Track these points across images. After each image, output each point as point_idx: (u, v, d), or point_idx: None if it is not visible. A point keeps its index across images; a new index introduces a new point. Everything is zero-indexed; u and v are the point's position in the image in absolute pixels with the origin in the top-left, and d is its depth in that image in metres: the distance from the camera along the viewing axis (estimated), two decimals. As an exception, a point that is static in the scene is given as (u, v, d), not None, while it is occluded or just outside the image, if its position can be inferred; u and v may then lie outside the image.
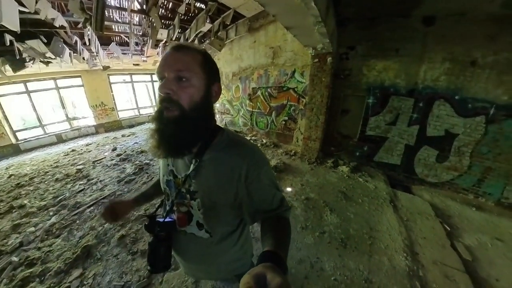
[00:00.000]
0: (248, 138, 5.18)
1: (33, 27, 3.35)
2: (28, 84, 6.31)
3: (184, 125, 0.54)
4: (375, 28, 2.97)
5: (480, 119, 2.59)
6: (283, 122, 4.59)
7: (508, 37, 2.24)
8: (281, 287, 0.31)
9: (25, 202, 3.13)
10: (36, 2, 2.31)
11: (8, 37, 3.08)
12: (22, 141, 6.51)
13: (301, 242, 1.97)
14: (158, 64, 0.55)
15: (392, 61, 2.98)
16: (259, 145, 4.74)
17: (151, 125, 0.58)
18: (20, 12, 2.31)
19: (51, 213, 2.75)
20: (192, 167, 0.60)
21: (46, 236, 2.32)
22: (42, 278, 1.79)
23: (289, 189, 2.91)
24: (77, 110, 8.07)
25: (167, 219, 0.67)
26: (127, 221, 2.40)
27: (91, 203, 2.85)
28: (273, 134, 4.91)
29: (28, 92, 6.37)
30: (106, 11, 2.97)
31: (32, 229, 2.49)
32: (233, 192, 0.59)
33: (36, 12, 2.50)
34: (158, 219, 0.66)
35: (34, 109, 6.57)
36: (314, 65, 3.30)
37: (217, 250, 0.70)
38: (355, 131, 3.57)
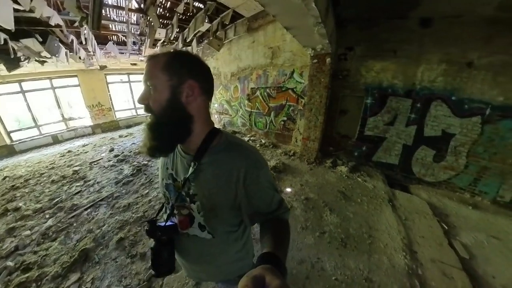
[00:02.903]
0: (247, 138, 5.18)
1: (28, 26, 3.29)
2: (23, 83, 6.20)
3: (156, 130, 0.58)
4: (373, 29, 3.00)
5: (476, 120, 2.63)
6: (282, 123, 4.60)
7: (503, 39, 2.29)
8: None
9: (20, 204, 3.07)
10: (31, 1, 2.27)
11: (2, 36, 3.03)
12: (17, 142, 6.39)
13: (301, 243, 1.98)
14: None
15: (390, 62, 3.01)
16: (257, 145, 4.73)
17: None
18: (15, 10, 2.27)
19: (47, 216, 2.70)
20: (191, 170, 0.60)
21: (42, 240, 2.28)
22: (39, 283, 1.76)
23: (288, 189, 2.92)
24: (73, 110, 7.95)
25: (168, 223, 0.67)
26: (126, 223, 2.38)
27: (88, 205, 2.81)
28: (272, 134, 4.92)
29: (23, 92, 6.26)
30: (103, 9, 2.94)
31: (28, 232, 2.44)
32: (232, 194, 0.60)
33: (31, 10, 2.46)
34: (159, 224, 0.66)
35: (29, 109, 6.45)
36: (313, 65, 3.32)
37: (220, 250, 0.71)
38: (353, 131, 3.59)
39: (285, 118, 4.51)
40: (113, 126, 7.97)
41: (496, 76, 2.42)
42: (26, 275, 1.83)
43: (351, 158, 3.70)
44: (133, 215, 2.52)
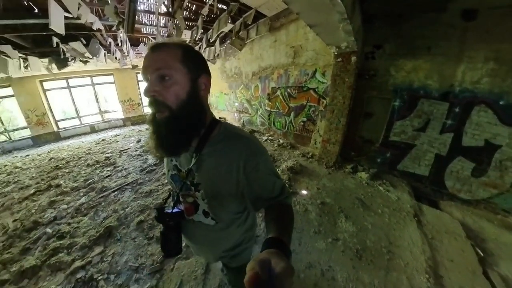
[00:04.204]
0: (265, 138, 5.17)
1: (74, 31, 3.76)
2: (69, 80, 7.10)
3: (175, 125, 0.54)
4: (405, 25, 2.73)
5: None
6: (302, 123, 4.49)
7: None
8: (286, 271, 0.32)
9: (61, 182, 3.51)
10: (78, 9, 2.59)
11: (55, 40, 3.52)
12: (62, 130, 7.34)
13: (312, 246, 1.90)
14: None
15: (423, 60, 2.72)
16: (275, 145, 4.69)
17: (149, 127, 0.60)
18: (65, 17, 2.60)
19: (81, 194, 3.05)
20: (193, 160, 0.62)
21: (75, 214, 2.59)
22: (69, 250, 1.99)
23: (304, 192, 2.83)
24: (108, 105, 8.86)
25: (175, 210, 0.71)
26: (146, 208, 2.56)
27: (115, 188, 3.10)
28: (291, 135, 4.83)
29: (69, 87, 7.17)
30: (136, 15, 3.22)
31: (65, 206, 2.79)
32: (234, 182, 0.61)
33: (77, 18, 2.81)
34: (166, 210, 0.70)
35: (73, 102, 7.36)
36: (337, 64, 3.17)
37: (223, 235, 0.75)
38: (378, 136, 3.34)
39: (305, 119, 4.40)
40: (141, 119, 8.67)
41: None
42: (60, 242, 2.09)
43: (374, 164, 3.45)
44: (154, 201, 2.70)
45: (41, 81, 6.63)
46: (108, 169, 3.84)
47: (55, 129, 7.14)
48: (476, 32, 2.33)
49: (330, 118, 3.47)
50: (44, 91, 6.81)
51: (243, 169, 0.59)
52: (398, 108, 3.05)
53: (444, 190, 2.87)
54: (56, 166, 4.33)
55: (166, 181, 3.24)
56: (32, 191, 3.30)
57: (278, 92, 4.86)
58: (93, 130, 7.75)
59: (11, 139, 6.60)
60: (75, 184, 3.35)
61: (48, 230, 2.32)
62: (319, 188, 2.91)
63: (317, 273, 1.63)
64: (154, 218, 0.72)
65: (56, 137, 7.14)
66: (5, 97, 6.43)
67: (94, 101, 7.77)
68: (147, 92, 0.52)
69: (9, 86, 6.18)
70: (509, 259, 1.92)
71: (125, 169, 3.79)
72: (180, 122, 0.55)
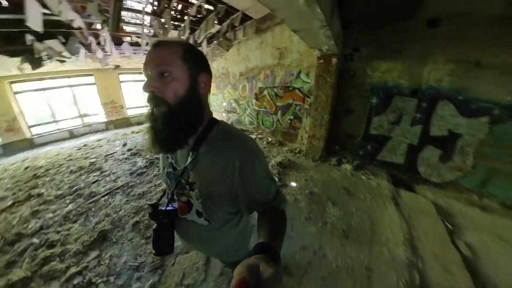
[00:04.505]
0: (254, 136, 5.30)
1: (51, 28, 3.55)
2: (43, 81, 6.61)
3: (172, 121, 0.54)
4: (379, 30, 3.05)
5: (484, 120, 2.60)
6: (289, 121, 4.69)
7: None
8: (274, 278, 0.32)
9: (43, 191, 3.32)
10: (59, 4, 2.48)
11: (29, 37, 3.30)
12: (36, 136, 6.82)
13: (304, 231, 2.07)
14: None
15: (395, 62, 3.05)
16: (264, 143, 4.84)
17: (146, 123, 0.59)
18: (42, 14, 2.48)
19: (67, 201, 2.92)
20: (189, 159, 0.62)
21: (64, 222, 2.48)
22: (62, 258, 1.94)
23: (293, 183, 3.01)
24: (88, 107, 8.37)
25: (169, 208, 0.71)
26: (141, 209, 2.55)
27: (105, 192, 3.02)
28: (279, 132, 5.02)
29: (43, 89, 6.68)
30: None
31: (50, 215, 2.65)
32: (229, 183, 0.61)
33: (57, 15, 2.68)
34: (161, 208, 0.71)
35: (49, 106, 6.87)
36: (319, 66, 3.40)
37: (216, 235, 0.75)
38: (359, 130, 3.64)
39: (291, 117, 4.60)
40: (125, 122, 8.32)
41: (504, 75, 2.40)
42: (51, 250, 2.02)
43: (356, 157, 3.74)
44: (147, 202, 2.68)
45: (10, 83, 6.11)
46: (95, 174, 3.70)
47: (28, 135, 6.62)
48: (439, 38, 2.69)
49: (315, 115, 3.70)
50: (14, 93, 6.28)
51: (239, 170, 0.58)
52: (375, 105, 3.36)
53: (418, 175, 3.22)
54: (34, 175, 4.06)
55: (159, 181, 3.25)
56: (9, 203, 3.08)
57: (265, 92, 5.02)
58: (72, 135, 7.29)
59: (-23, 148, 6.01)
60: (60, 192, 3.19)
61: (35, 240, 2.21)
62: (307, 180, 3.11)
63: (310, 253, 1.81)
64: (148, 215, 0.71)
65: (30, 144, 6.61)
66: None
67: (73, 103, 7.32)
68: (146, 87, 0.53)
69: (-28, 89, 5.62)
70: (473, 230, 2.27)
71: (113, 173, 3.68)
72: (178, 119, 0.55)
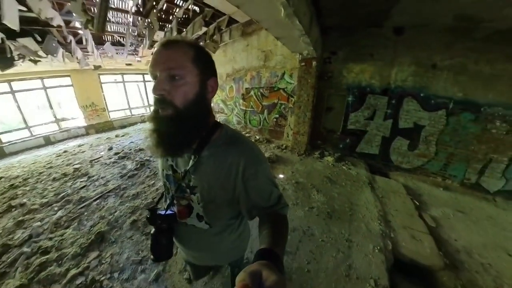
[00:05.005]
0: (242, 135, 5.48)
1: (26, 25, 3.34)
2: (12, 83, 6.11)
3: (179, 124, 0.53)
4: (353, 36, 3.42)
5: (441, 113, 3.05)
6: (275, 120, 4.95)
7: (461, 44, 2.73)
8: (277, 285, 0.30)
9: (24, 200, 3.15)
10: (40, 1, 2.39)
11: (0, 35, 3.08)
12: (6, 144, 6.27)
13: (293, 215, 2.32)
14: (150, 63, 0.54)
15: (368, 64, 3.43)
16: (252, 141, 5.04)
17: (149, 125, 0.57)
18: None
19: (55, 208, 2.82)
20: (191, 162, 0.61)
21: (55, 228, 2.41)
22: (60, 262, 1.92)
23: (281, 175, 3.26)
24: (65, 111, 7.86)
25: (168, 212, 0.69)
26: (137, 208, 2.59)
27: (96, 197, 2.97)
28: (266, 130, 5.26)
29: (12, 92, 6.16)
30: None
31: (38, 223, 2.55)
32: (231, 188, 0.60)
33: (34, 12, 2.55)
34: (159, 212, 0.69)
35: (19, 110, 6.36)
36: (301, 68, 3.69)
37: (216, 239, 0.73)
38: (338, 125, 3.99)
39: (277, 116, 4.87)
40: (108, 126, 7.95)
41: (456, 75, 2.85)
42: (46, 256, 1.98)
43: (337, 150, 4.09)
44: (143, 201, 2.72)
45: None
46: (82, 180, 3.59)
47: (-4, 143, 6.09)
48: (404, 44, 3.11)
49: (298, 113, 3.99)
50: (-23, 99, 5.74)
51: (242, 176, 0.58)
52: (351, 102, 3.74)
53: (391, 163, 3.66)
54: (11, 185, 3.78)
55: (152, 182, 3.28)
56: (-14, 216, 2.90)
57: (252, 92, 5.23)
58: (49, 141, 6.80)
59: None
60: (45, 200, 3.06)
61: (26, 249, 2.13)
62: (293, 172, 3.38)
63: (300, 233, 2.06)
64: (146, 219, 0.69)
65: (0, 153, 6.08)
66: None
67: (47, 107, 6.84)
68: (156, 90, 0.51)
69: None
70: (437, 205, 2.69)
71: (101, 177, 3.59)
72: (185, 122, 0.54)
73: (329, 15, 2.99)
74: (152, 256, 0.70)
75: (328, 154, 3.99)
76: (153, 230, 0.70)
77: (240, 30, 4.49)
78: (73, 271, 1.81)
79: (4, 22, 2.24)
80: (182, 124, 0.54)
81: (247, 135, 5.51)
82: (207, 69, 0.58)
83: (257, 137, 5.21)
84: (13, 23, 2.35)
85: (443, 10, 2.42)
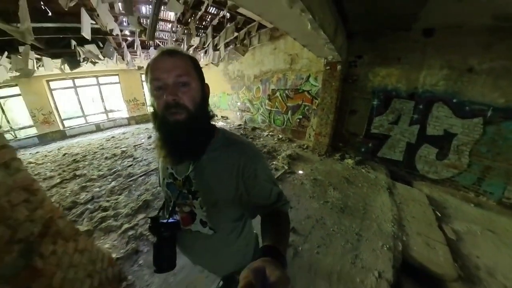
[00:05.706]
0: (266, 133, 5.77)
1: (92, 34, 4.17)
2: (75, 80, 7.40)
3: (194, 126, 0.56)
4: (380, 39, 3.42)
5: (477, 120, 2.78)
6: (298, 120, 5.12)
7: (502, 45, 2.48)
8: (280, 281, 0.31)
9: (85, 172, 3.90)
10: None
11: (73, 42, 3.92)
12: (68, 128, 7.59)
13: (309, 205, 2.51)
14: (149, 68, 0.55)
15: (394, 68, 3.40)
16: (275, 139, 5.28)
17: (159, 133, 0.59)
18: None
19: (109, 180, 3.48)
20: (191, 167, 0.62)
21: (110, 194, 3.02)
22: (116, 218, 2.44)
23: (300, 171, 3.44)
24: (112, 104, 9.15)
25: (171, 220, 0.68)
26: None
27: (141, 174, 3.56)
28: (289, 130, 5.45)
29: (75, 87, 7.46)
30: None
31: (97, 189, 3.20)
32: (233, 188, 0.62)
33: (103, 26, 3.22)
34: (161, 221, 0.68)
35: (79, 102, 7.65)
36: (326, 71, 3.82)
37: (222, 244, 0.73)
38: (361, 129, 3.99)
39: (300, 116, 5.04)
40: (145, 118, 9.01)
41: (497, 80, 2.58)
42: (105, 213, 2.53)
43: (358, 153, 4.09)
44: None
45: (47, 81, 6.89)
46: (128, 160, 4.27)
47: (61, 127, 7.40)
48: (434, 46, 3.00)
49: (321, 115, 4.10)
50: (51, 90, 7.07)
51: (242, 174, 0.60)
52: (376, 106, 3.73)
53: (416, 172, 3.49)
54: (74, 159, 4.67)
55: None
56: (58, 181, 3.64)
57: (278, 93, 5.48)
58: (99, 128, 8.04)
59: (16, 137, 6.80)
60: (101, 173, 3.76)
61: (89, 206, 2.75)
62: (312, 170, 3.54)
63: (313, 221, 2.25)
64: (148, 229, 0.68)
65: (62, 135, 7.37)
66: (12, 96, 6.63)
67: (100, 100, 8.09)
68: (169, 95, 0.52)
69: (16, 85, 6.39)
70: (462, 220, 2.44)
71: (144, 159, 4.23)
72: (198, 123, 0.58)
73: (355, 21, 3.08)
74: (154, 267, 0.68)
75: (348, 156, 4.02)
76: (155, 240, 0.68)
77: (268, 34, 4.77)
78: (125, 226, 2.29)
79: (82, 34, 2.90)
80: (196, 126, 0.57)
81: (270, 133, 5.77)
82: (202, 76, 0.62)
83: (280, 136, 5.44)
84: (88, 34, 3.02)
85: (478, 10, 2.29)
